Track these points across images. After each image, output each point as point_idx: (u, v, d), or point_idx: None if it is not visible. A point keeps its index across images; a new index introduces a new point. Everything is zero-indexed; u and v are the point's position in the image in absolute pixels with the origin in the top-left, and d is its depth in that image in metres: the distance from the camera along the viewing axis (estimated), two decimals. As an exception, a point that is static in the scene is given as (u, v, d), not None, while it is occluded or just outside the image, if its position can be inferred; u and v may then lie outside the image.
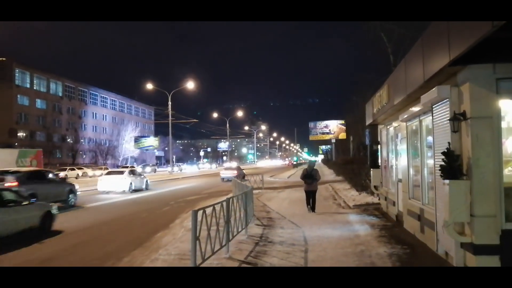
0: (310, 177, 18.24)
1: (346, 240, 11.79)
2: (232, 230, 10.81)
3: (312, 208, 18.11)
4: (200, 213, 8.43)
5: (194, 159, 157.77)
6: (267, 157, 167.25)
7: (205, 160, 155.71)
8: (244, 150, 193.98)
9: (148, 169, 78.65)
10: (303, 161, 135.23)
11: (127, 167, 74.29)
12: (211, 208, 9.44)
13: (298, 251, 10.48)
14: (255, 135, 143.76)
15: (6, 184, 18.21)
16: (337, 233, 12.82)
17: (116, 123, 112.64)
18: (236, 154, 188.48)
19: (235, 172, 46.41)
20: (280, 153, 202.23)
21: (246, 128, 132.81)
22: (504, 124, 7.90)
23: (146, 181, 35.13)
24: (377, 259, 9.46)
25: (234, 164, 64.69)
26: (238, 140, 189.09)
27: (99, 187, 31.37)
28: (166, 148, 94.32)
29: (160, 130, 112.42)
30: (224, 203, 10.22)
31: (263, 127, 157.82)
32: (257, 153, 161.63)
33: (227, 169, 50.07)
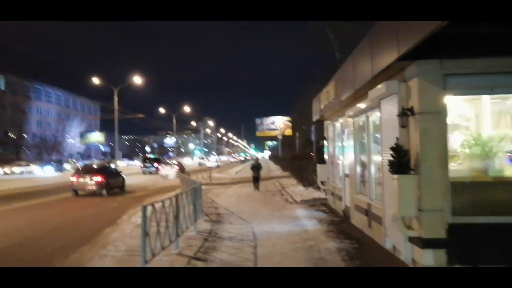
0: (256, 167, 26.83)
1: (295, 235, 11.80)
2: (181, 226, 10.56)
3: (257, 188, 25.94)
4: (149, 208, 8.17)
5: (139, 154, 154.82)
6: (213, 152, 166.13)
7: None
8: (191, 146, 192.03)
9: (67, 166, 66.90)
10: (250, 157, 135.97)
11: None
12: (160, 203, 9.18)
13: (248, 247, 10.38)
14: (201, 131, 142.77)
15: None
16: (286, 228, 12.84)
17: (61, 118, 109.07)
18: (183, 150, 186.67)
19: None
20: (227, 149, 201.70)
21: (193, 123, 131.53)
22: (450, 120, 8.08)
23: None
24: (326, 254, 9.50)
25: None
26: (185, 136, 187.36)
27: None
28: (112, 144, 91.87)
29: (106, 126, 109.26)
30: (174, 199, 9.95)
31: (211, 123, 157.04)
32: (205, 149, 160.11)
33: None
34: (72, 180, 25.39)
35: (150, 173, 51.74)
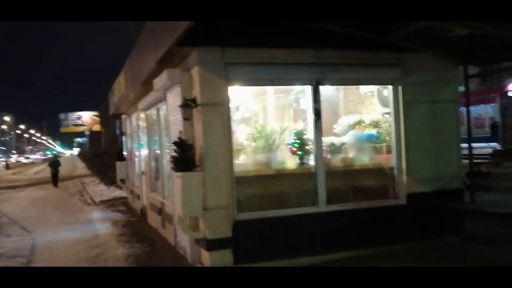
0: (53, 164, 27.39)
1: (83, 243, 10.63)
2: None
3: (56, 185, 26.46)
4: None
5: None
6: (13, 151, 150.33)
7: None
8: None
9: None
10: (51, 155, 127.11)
11: None
12: None
13: (19, 264, 8.82)
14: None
15: None
16: (75, 236, 11.56)
17: None
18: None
19: None
20: (30, 147, 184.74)
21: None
22: (234, 112, 7.71)
23: None
24: (112, 263, 8.54)
25: None
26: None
27: None
28: None
29: None
30: None
31: (7, 119, 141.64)
32: (2, 147, 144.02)
33: None
34: None
35: None
